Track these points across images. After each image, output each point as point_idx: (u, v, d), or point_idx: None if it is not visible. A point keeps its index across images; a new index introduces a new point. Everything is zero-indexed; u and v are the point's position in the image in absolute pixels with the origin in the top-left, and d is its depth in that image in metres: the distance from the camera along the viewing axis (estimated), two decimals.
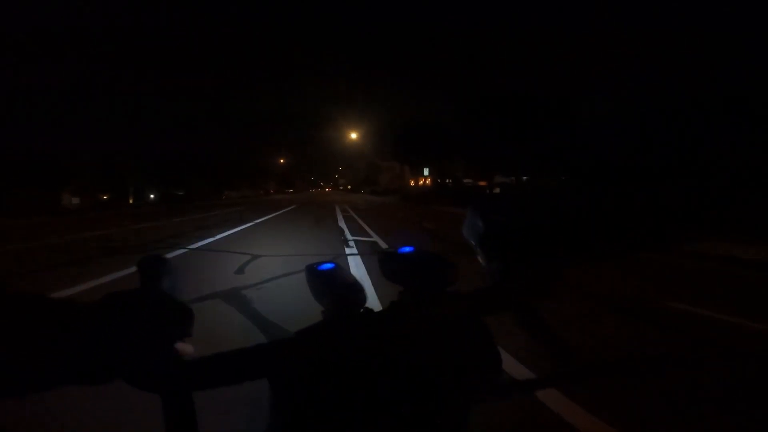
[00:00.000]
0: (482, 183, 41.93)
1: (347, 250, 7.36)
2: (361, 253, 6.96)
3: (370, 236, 9.41)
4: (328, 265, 0.58)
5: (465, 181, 45.17)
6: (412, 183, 53.19)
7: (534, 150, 25.69)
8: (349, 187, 80.00)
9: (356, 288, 0.54)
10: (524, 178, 35.37)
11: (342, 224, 12.58)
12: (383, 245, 7.95)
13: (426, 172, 45.60)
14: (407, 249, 0.62)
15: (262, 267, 5.91)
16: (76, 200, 47.47)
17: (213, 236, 9.93)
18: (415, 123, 41.18)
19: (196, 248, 8.06)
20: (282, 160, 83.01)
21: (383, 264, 0.61)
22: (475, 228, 0.66)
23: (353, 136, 52.83)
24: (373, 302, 4.01)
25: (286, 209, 23.17)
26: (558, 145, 24.67)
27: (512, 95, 25.98)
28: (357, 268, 5.66)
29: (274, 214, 18.33)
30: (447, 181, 45.43)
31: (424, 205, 24.94)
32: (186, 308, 0.47)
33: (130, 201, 58.61)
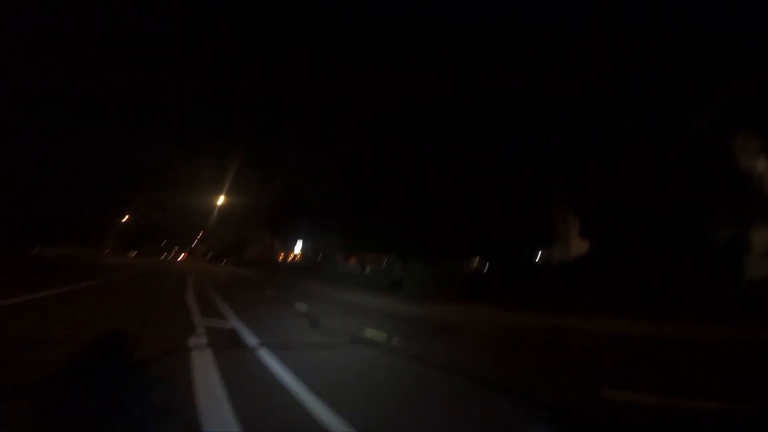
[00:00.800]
0: (352, 260, 42.20)
1: (193, 341, 5.45)
2: (213, 346, 5.16)
3: (229, 320, 7.49)
4: None
5: (336, 257, 44.78)
6: (282, 256, 50.41)
7: (402, 230, 27.08)
8: (210, 255, 71.69)
9: None
10: (392, 254, 36.81)
11: (191, 301, 10.10)
12: (247, 334, 6.21)
13: (299, 245, 44.02)
14: None
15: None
16: None
17: None
18: (291, 195, 40.40)
19: None
20: (127, 217, 70.86)
21: None
22: None
23: (220, 201, 48.85)
24: (229, 425, 2.55)
25: (104, 279, 18.47)
26: (423, 227, 26.55)
27: (385, 176, 27.51)
28: (205, 371, 3.95)
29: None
30: (318, 256, 44.35)
31: (295, 280, 23.07)
32: None
33: None
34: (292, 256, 48.71)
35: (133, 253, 64.62)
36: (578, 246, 25.14)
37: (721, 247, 16.84)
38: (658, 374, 5.11)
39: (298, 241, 45.26)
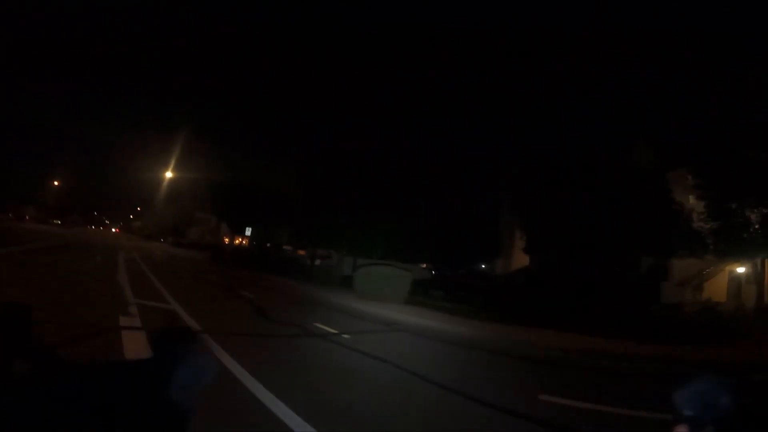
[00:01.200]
0: (301, 252, 41.25)
1: (124, 321, 4.95)
2: (147, 329, 4.70)
3: (167, 302, 6.92)
4: None
5: (285, 247, 43.53)
6: (228, 241, 48.18)
7: (356, 228, 26.95)
8: (147, 232, 66.77)
9: None
10: (343, 253, 36.50)
11: (123, 278, 9.23)
12: (186, 318, 5.75)
13: (247, 232, 42.33)
14: None
15: None
16: None
17: None
18: (245, 180, 38.81)
19: None
20: (56, 183, 63.96)
21: None
22: (711, 404, 0.57)
23: (167, 176, 45.63)
24: None
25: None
26: (378, 227, 26.60)
27: (348, 171, 27.27)
28: (139, 356, 3.55)
29: None
30: (267, 245, 42.84)
31: (241, 266, 22.09)
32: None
33: None
34: (238, 241, 46.81)
35: (58, 222, 58.61)
36: (520, 260, 26.50)
37: (644, 272, 18.47)
38: (584, 383, 5.41)
39: (247, 227, 43.45)
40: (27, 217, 51.75)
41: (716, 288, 16.55)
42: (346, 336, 6.12)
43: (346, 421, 2.84)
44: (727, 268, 16.06)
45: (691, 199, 14.49)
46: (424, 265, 34.00)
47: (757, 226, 12.66)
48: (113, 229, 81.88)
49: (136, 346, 3.90)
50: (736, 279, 16.22)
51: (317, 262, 33.88)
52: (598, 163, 16.57)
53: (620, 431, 3.65)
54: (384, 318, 9.27)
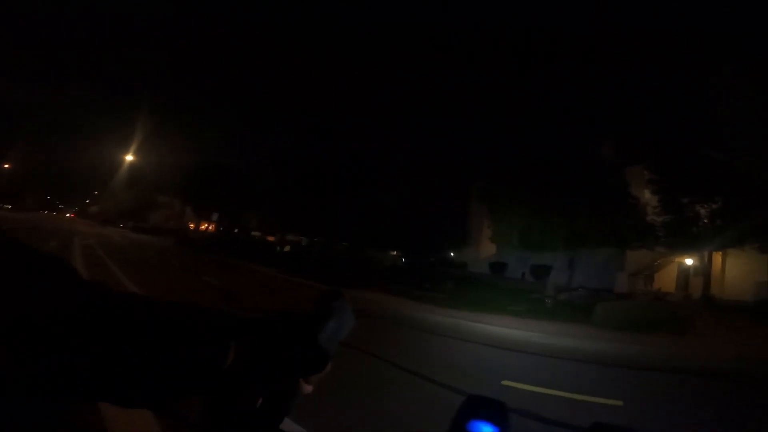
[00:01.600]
0: (270, 238, 40.55)
1: None
2: None
3: (127, 290, 6.62)
4: None
5: (253, 233, 42.64)
6: (193, 226, 46.63)
7: (330, 214, 26.83)
8: (104, 217, 63.41)
9: None
10: (315, 239, 36.20)
11: (78, 265, 8.75)
12: None
13: (214, 217, 41.10)
14: None
15: None
16: None
17: None
18: (213, 164, 37.59)
19: None
20: (7, 166, 59.31)
21: None
22: None
23: (129, 158, 43.32)
24: None
25: None
26: (351, 214, 26.59)
27: (320, 162, 27.02)
28: None
29: None
30: (235, 230, 41.81)
31: (207, 251, 21.45)
32: (325, 356, 0.44)
33: None
34: (204, 226, 45.39)
35: (9, 207, 54.65)
36: (488, 249, 27.21)
37: (600, 262, 19.40)
38: (543, 371, 5.67)
39: (214, 212, 42.19)
40: None
41: (666, 279, 17.64)
42: None
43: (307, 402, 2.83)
44: (677, 260, 17.11)
45: (647, 194, 15.27)
46: (395, 253, 34.27)
47: (706, 221, 13.58)
48: (68, 214, 77.20)
49: None
50: (684, 270, 17.31)
51: (287, 248, 33.39)
52: (562, 157, 17.17)
53: None
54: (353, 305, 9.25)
